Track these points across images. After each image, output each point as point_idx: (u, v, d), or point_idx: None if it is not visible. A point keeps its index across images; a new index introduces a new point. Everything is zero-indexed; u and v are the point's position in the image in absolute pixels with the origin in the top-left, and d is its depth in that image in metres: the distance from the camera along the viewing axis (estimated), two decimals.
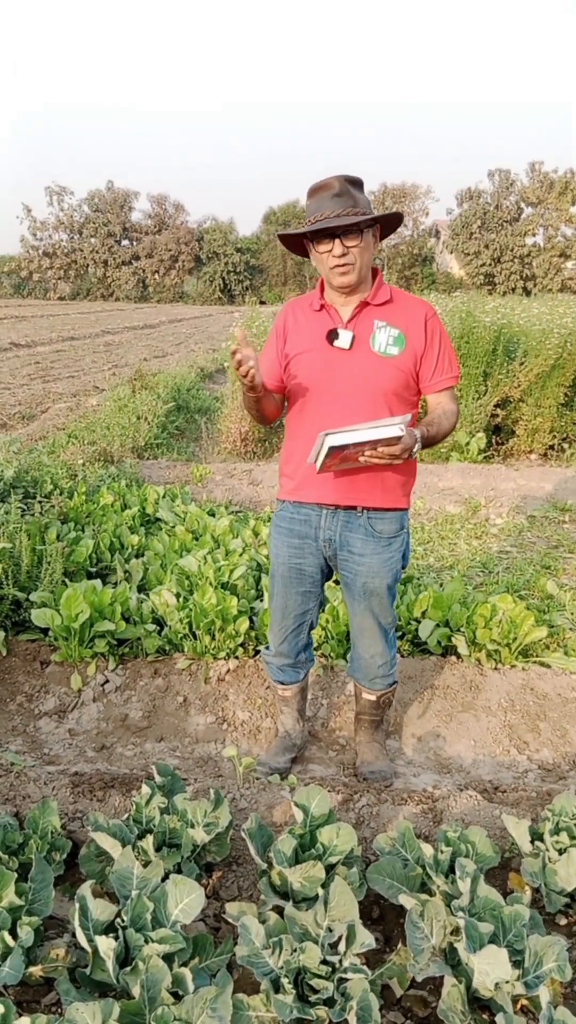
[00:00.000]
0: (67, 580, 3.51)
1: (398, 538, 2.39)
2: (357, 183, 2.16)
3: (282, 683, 2.71)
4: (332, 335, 2.24)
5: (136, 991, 1.48)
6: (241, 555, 3.91)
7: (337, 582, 3.29)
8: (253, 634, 3.30)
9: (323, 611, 3.36)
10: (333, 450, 2.01)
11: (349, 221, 2.08)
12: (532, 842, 1.96)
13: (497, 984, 1.52)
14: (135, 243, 53.93)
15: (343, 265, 2.15)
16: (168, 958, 1.56)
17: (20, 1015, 1.43)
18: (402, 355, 2.24)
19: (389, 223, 2.26)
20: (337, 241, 2.12)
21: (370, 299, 2.24)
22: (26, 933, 1.62)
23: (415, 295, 2.47)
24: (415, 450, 2.11)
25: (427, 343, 2.27)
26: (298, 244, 2.29)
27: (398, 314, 2.26)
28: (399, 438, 1.99)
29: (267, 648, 2.72)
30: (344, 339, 2.23)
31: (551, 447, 7.95)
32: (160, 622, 3.40)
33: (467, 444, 7.48)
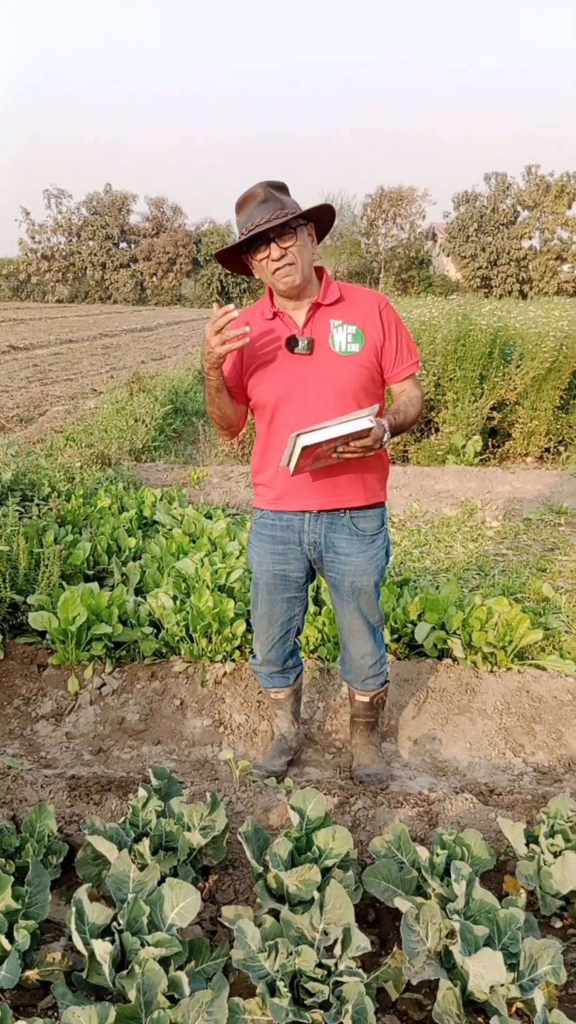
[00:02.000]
0: (64, 583, 3.51)
1: (380, 534, 2.42)
2: (281, 187, 2.15)
3: (274, 687, 2.71)
4: (291, 342, 2.23)
5: (132, 995, 1.48)
6: (238, 558, 3.91)
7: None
8: (250, 637, 3.30)
9: (319, 613, 3.38)
10: (306, 450, 2.02)
11: (278, 222, 2.07)
12: (527, 845, 1.97)
13: (492, 987, 1.53)
14: (133, 246, 53.97)
15: (284, 266, 2.13)
16: (164, 962, 1.57)
17: (16, 1019, 1.43)
18: (363, 351, 2.24)
19: (323, 220, 2.25)
20: (273, 245, 2.10)
21: (321, 299, 2.23)
22: (22, 937, 1.62)
23: (364, 287, 2.47)
24: (385, 440, 2.11)
25: (385, 334, 2.27)
26: (239, 262, 2.27)
27: (352, 310, 2.26)
28: (369, 430, 2.00)
29: (254, 657, 2.71)
30: (304, 345, 2.22)
31: (547, 450, 7.97)
32: (157, 625, 3.40)
33: (463, 447, 7.50)
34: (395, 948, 1.75)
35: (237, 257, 2.25)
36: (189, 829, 1.94)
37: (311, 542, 2.38)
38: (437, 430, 7.81)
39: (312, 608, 3.37)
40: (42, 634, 3.28)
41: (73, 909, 1.63)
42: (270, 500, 2.40)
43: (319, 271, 2.28)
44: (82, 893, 1.66)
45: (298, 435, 2.02)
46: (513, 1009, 1.60)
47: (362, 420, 1.99)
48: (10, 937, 1.64)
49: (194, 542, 4.27)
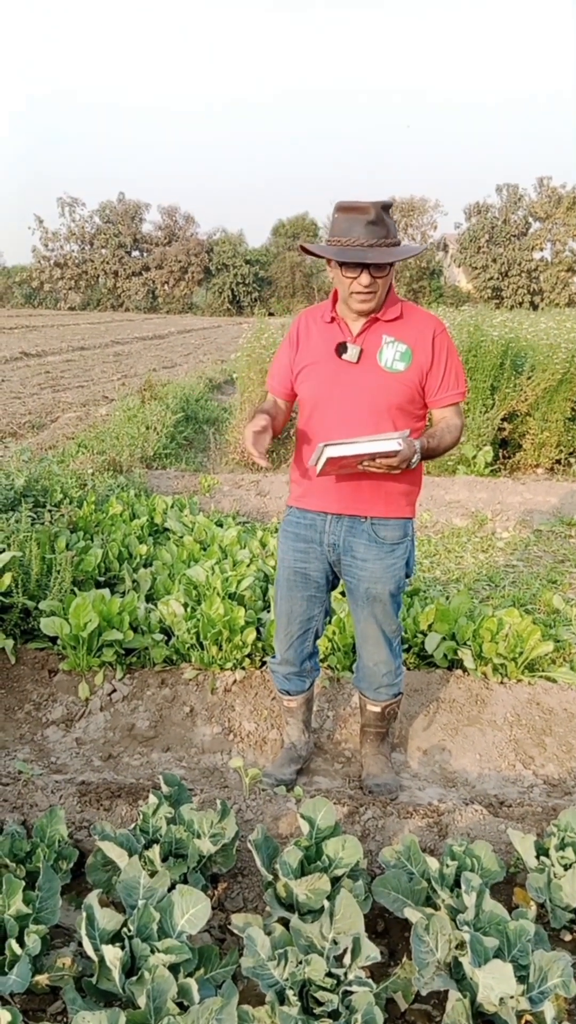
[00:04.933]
0: (76, 589, 3.52)
1: (401, 545, 2.42)
2: (389, 207, 2.16)
3: (288, 693, 2.72)
4: (341, 348, 2.28)
5: (142, 1001, 1.49)
6: (248, 566, 3.92)
7: (342, 593, 3.31)
8: (260, 645, 3.31)
9: (330, 622, 3.38)
10: (331, 459, 2.08)
11: (387, 259, 2.09)
12: (537, 857, 1.96)
13: (502, 999, 1.52)
14: (145, 254, 54.32)
15: (367, 294, 2.17)
16: (174, 968, 1.57)
17: (27, 1023, 1.44)
18: (408, 371, 2.27)
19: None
20: (366, 273, 2.12)
21: (380, 315, 2.27)
22: (33, 941, 1.63)
23: (426, 309, 2.49)
24: (414, 461, 2.15)
25: (434, 359, 2.29)
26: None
27: (407, 330, 2.29)
28: (397, 452, 2.05)
29: (273, 656, 2.74)
30: (352, 353, 2.26)
31: (558, 461, 7.95)
32: (168, 632, 3.41)
33: (474, 457, 7.49)
34: (404, 958, 1.75)
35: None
36: (199, 836, 1.94)
37: (331, 543, 2.41)
38: None
39: None
40: (53, 640, 3.30)
41: (83, 915, 1.64)
42: (296, 496, 2.47)
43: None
44: (92, 899, 1.67)
45: (326, 445, 2.08)
46: (523, 1021, 1.59)
47: (391, 442, 2.05)
48: (21, 942, 1.65)
49: (205, 550, 4.28)
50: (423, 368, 2.28)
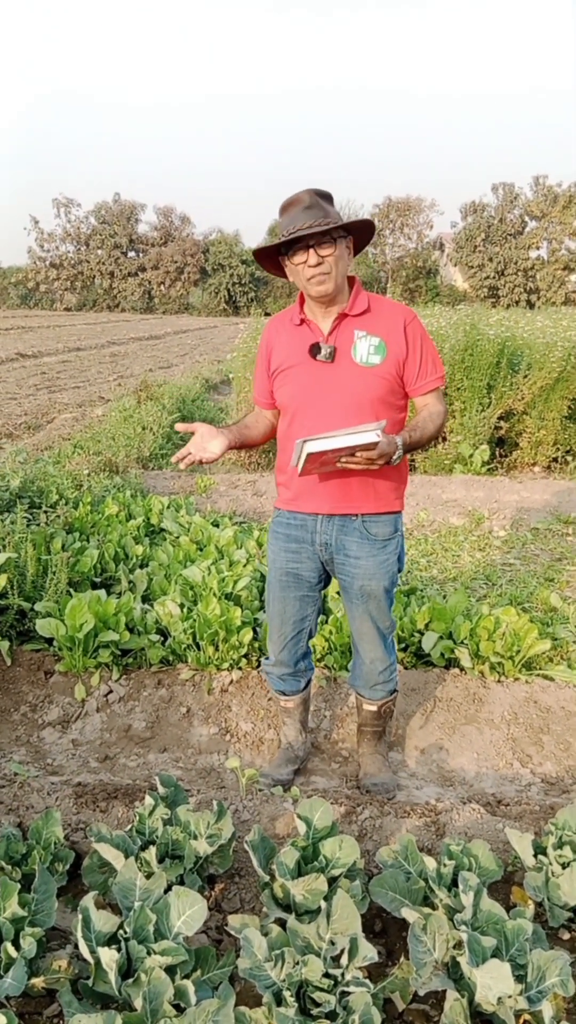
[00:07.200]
0: (72, 590, 3.52)
1: (393, 540, 2.42)
2: (327, 196, 2.21)
3: (283, 693, 2.71)
4: (314, 349, 2.28)
5: (138, 1003, 1.48)
6: (245, 566, 3.91)
7: (338, 592, 3.30)
8: (256, 645, 3.30)
9: (326, 622, 3.38)
10: (311, 455, 2.07)
11: (320, 229, 2.12)
12: (535, 856, 1.96)
13: (500, 999, 1.52)
14: (141, 255, 54.30)
15: (319, 274, 2.18)
16: (170, 970, 1.56)
17: None
18: (384, 363, 2.27)
19: (363, 235, 2.31)
20: (311, 251, 2.15)
21: (348, 310, 2.28)
22: (29, 944, 1.62)
23: (395, 300, 2.50)
24: (396, 456, 2.15)
25: (408, 348, 2.30)
26: (275, 263, 2.33)
27: (377, 322, 2.29)
28: (375, 444, 2.04)
29: (267, 658, 2.73)
30: (326, 352, 2.27)
31: (554, 459, 7.96)
32: (164, 632, 3.40)
33: (470, 456, 7.49)
34: (402, 958, 1.74)
35: (274, 258, 2.30)
36: (195, 837, 1.93)
37: (323, 543, 2.41)
38: (444, 439, 7.81)
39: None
40: (49, 641, 3.29)
41: (79, 917, 1.63)
42: (286, 500, 2.46)
43: (351, 281, 2.32)
44: (88, 901, 1.66)
45: (304, 441, 2.07)
46: (520, 1021, 1.59)
47: (368, 434, 2.04)
48: (16, 944, 1.64)
49: (201, 550, 4.27)
50: (399, 358, 2.29)
